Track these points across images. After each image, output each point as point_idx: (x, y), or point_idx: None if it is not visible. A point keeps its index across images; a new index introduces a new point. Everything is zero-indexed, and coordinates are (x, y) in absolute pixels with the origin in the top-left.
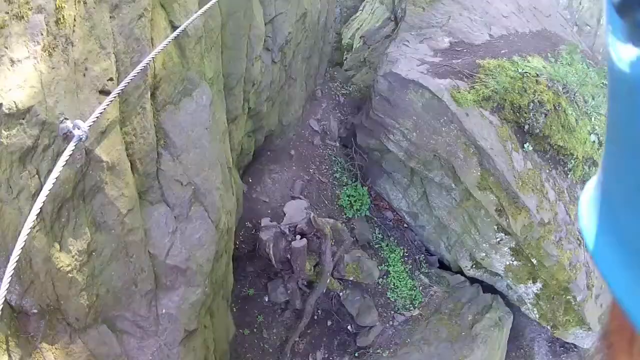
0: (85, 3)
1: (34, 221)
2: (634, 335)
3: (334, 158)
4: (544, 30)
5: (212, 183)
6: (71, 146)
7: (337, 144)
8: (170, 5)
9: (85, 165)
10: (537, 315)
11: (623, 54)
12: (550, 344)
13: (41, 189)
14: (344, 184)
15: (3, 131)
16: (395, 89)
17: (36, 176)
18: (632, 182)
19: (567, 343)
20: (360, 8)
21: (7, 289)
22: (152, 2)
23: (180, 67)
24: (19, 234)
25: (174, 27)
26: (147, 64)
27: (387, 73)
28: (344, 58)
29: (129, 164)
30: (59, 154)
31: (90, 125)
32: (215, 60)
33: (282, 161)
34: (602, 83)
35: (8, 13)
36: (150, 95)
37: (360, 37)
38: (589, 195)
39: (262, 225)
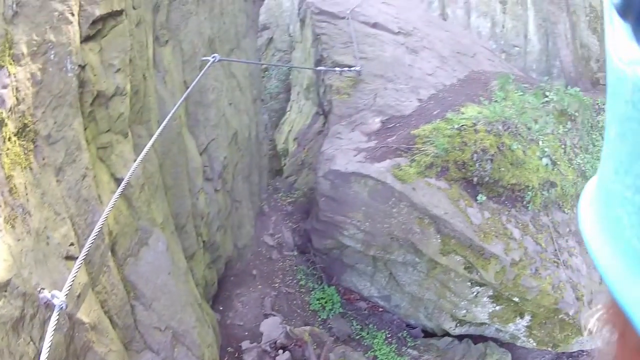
0: (31, 169)
1: None
2: (634, 337)
3: (295, 267)
4: (472, 73)
5: (188, 323)
6: (54, 316)
7: (295, 253)
8: (109, 158)
9: (71, 328)
10: (534, 344)
11: (624, 54)
12: None
13: (39, 354)
14: (311, 289)
15: None
16: (338, 186)
17: (31, 343)
18: (632, 183)
19: (573, 353)
20: (288, 108)
21: None
22: (91, 159)
23: (131, 219)
24: None
25: (116, 179)
26: (101, 225)
27: (327, 172)
28: (283, 165)
29: (108, 320)
30: (45, 322)
31: (66, 294)
32: (161, 204)
33: (246, 283)
34: (542, 103)
35: None
36: (111, 252)
37: (293, 140)
38: (589, 197)
39: (243, 348)
